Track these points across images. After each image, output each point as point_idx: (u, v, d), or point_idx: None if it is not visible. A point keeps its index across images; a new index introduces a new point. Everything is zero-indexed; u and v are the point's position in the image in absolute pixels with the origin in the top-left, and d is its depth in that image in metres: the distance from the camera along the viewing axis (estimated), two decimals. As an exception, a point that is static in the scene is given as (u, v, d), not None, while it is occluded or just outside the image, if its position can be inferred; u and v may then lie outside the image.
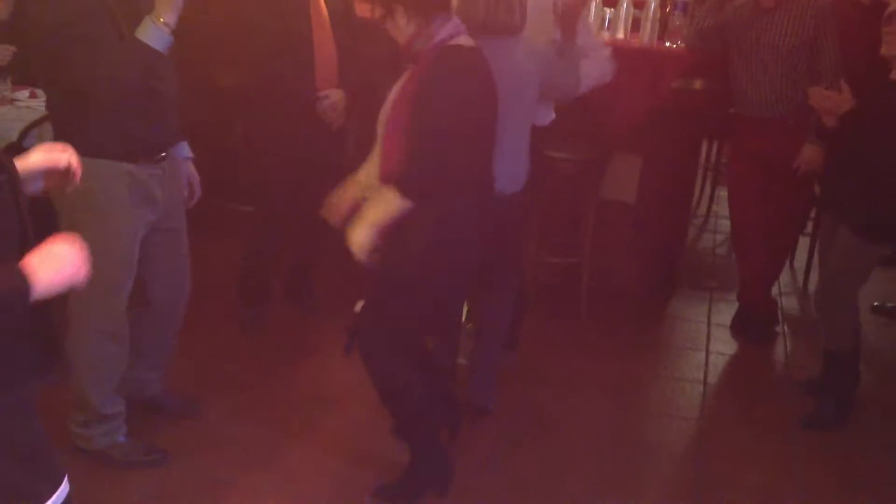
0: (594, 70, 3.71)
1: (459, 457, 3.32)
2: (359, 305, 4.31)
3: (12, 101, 4.27)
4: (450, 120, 2.73)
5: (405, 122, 2.77)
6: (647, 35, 4.69)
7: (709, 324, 4.72)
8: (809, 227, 5.32)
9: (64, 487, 1.76)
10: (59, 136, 2.87)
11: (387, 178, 2.83)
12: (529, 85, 3.25)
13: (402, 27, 2.82)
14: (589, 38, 3.76)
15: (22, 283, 1.55)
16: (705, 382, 4.12)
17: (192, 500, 3.03)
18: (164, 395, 3.45)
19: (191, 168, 3.25)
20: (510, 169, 3.23)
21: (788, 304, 5.06)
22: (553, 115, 3.81)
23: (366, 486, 3.11)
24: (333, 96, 3.92)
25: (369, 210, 2.81)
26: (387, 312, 2.92)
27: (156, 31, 2.70)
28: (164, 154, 2.99)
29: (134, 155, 2.88)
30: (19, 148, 4.04)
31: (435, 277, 2.88)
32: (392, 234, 2.82)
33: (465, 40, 2.83)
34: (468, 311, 3.92)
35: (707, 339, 4.54)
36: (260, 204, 4.18)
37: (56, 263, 1.61)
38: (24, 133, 3.97)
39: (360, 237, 2.79)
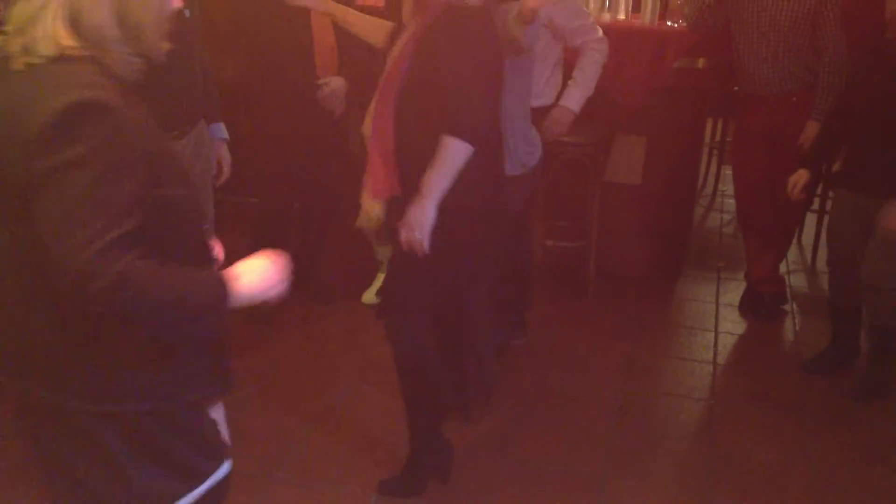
0: (589, 75, 3.72)
1: (470, 439, 3.34)
2: (366, 296, 4.35)
3: None
4: (481, 66, 2.58)
5: (398, 87, 2.63)
6: (648, 15, 4.67)
7: (717, 303, 4.71)
8: (816, 203, 5.30)
9: (225, 466, 1.85)
10: None
11: (378, 194, 2.71)
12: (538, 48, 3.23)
13: None
14: (579, 19, 3.71)
15: (223, 291, 1.60)
16: (715, 362, 4.11)
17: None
18: None
19: (223, 149, 3.34)
20: (519, 147, 3.21)
21: (796, 281, 5.05)
22: (553, 98, 3.80)
23: (376, 474, 3.12)
24: (334, 84, 3.91)
25: (428, 177, 2.55)
26: (412, 290, 2.83)
27: None
28: (176, 132, 3.04)
29: None
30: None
31: (454, 261, 2.78)
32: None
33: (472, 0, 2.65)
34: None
35: (716, 319, 4.54)
36: (264, 194, 4.18)
37: (257, 275, 1.69)
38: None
39: (421, 214, 2.52)
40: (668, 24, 4.67)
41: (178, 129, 3.09)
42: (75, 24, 1.47)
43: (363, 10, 3.30)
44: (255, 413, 3.49)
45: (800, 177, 3.83)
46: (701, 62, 4.64)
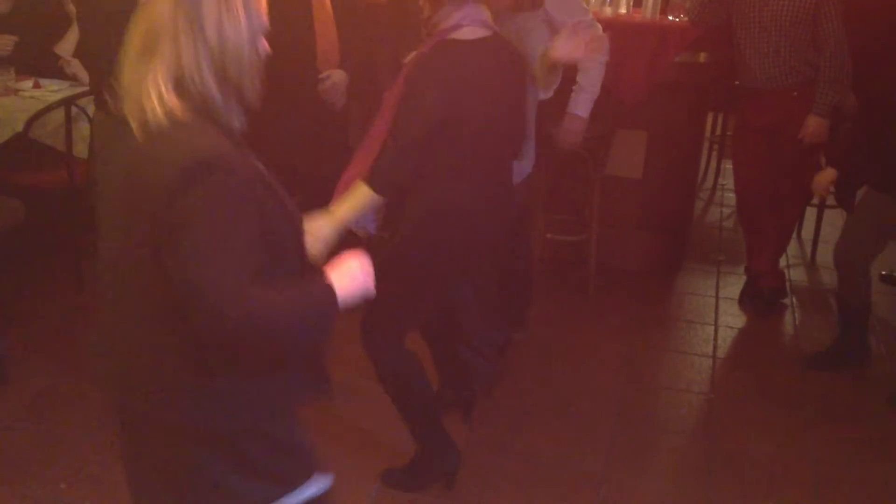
0: (593, 77, 3.72)
1: (470, 434, 3.35)
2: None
3: (16, 91, 4.27)
4: (428, 118, 2.63)
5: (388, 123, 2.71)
6: (649, 9, 4.66)
7: (717, 297, 4.72)
8: (816, 198, 5.31)
9: (319, 480, 1.92)
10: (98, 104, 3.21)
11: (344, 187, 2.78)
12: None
13: (423, 7, 2.75)
14: (577, 15, 3.67)
15: (333, 300, 1.65)
16: (714, 356, 4.13)
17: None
18: None
19: None
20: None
21: (796, 275, 5.06)
22: (550, 93, 3.80)
23: (375, 469, 3.13)
24: (335, 77, 3.91)
25: (341, 204, 2.70)
26: (389, 307, 2.82)
27: None
28: None
29: None
30: (25, 138, 4.05)
31: (434, 273, 2.85)
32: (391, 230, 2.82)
33: (468, 33, 2.68)
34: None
35: (716, 313, 4.55)
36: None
37: (350, 278, 1.72)
38: (30, 123, 3.98)
39: (324, 230, 2.60)
40: (670, 18, 4.67)
41: None
42: (180, 88, 1.59)
43: (368, 7, 3.30)
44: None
45: (828, 174, 3.80)
46: (702, 57, 4.65)
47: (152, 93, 1.58)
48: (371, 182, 2.65)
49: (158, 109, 1.58)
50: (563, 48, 2.91)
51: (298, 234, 1.80)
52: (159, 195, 1.53)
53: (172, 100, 1.59)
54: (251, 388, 1.71)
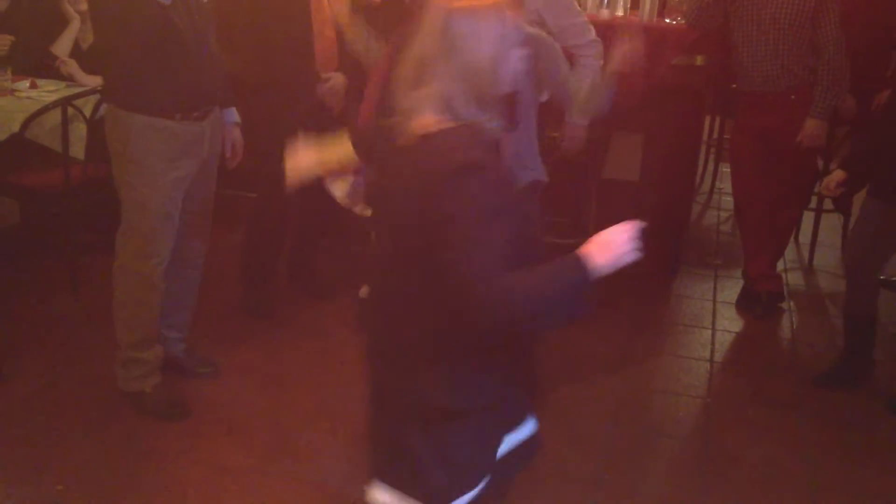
0: (586, 78, 3.70)
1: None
2: (363, 291, 4.34)
3: (12, 91, 4.26)
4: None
5: None
6: (646, 12, 4.66)
7: (714, 301, 4.72)
8: (814, 202, 5.31)
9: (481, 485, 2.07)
10: (106, 96, 3.33)
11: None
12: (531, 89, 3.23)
13: None
14: (570, 17, 3.63)
15: (584, 267, 1.83)
16: (712, 360, 4.12)
17: (200, 486, 3.04)
18: (185, 356, 3.62)
19: (236, 132, 3.50)
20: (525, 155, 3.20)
21: (794, 280, 5.05)
22: (546, 95, 3.79)
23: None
24: (334, 80, 3.91)
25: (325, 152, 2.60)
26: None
27: None
28: (197, 113, 3.17)
29: (168, 111, 3.10)
30: (21, 138, 4.04)
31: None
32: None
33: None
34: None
35: (713, 317, 4.54)
36: (261, 190, 4.17)
37: (605, 245, 1.89)
38: (26, 124, 3.97)
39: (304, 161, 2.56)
40: (667, 21, 4.67)
41: (200, 108, 3.19)
42: (447, 111, 1.86)
43: (362, 7, 3.30)
44: (249, 407, 3.49)
45: (836, 176, 3.69)
46: (699, 59, 4.64)
47: (421, 112, 1.86)
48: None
49: (426, 122, 1.85)
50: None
51: (532, 236, 2.09)
52: (427, 195, 1.79)
53: (438, 116, 1.85)
54: (492, 374, 1.98)
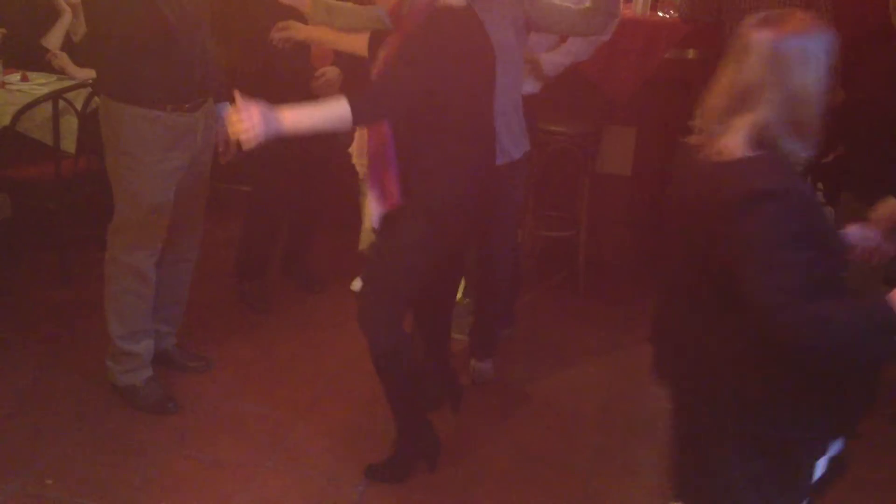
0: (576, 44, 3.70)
1: (460, 430, 3.34)
2: (355, 284, 4.34)
3: (3, 84, 4.25)
4: (419, 82, 2.63)
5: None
6: (639, 6, 4.66)
7: (706, 294, 4.71)
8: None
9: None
10: (100, 87, 3.29)
11: (387, 205, 2.83)
12: (517, 43, 3.22)
13: None
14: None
15: (890, 313, 1.76)
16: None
17: (192, 481, 3.04)
18: (176, 350, 3.61)
19: None
20: (502, 136, 3.20)
21: (785, 273, 5.05)
22: (539, 86, 3.78)
23: (364, 463, 3.13)
24: (329, 74, 3.90)
25: (315, 105, 2.68)
26: (384, 290, 2.90)
27: None
28: (189, 104, 3.16)
29: (160, 102, 3.09)
30: (12, 132, 4.03)
31: (426, 264, 2.88)
32: (386, 222, 2.84)
33: (455, 0, 2.72)
34: (465, 287, 3.92)
35: (704, 310, 4.54)
36: (256, 184, 4.17)
37: None
38: (17, 117, 3.96)
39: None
40: (660, 14, 4.67)
41: (192, 100, 3.18)
42: (756, 139, 1.87)
43: (361, 4, 3.31)
44: (241, 401, 3.49)
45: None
46: (692, 53, 4.64)
47: (733, 136, 1.88)
48: (352, 106, 2.57)
49: (733, 147, 1.88)
50: None
51: (839, 261, 1.99)
52: (723, 216, 1.83)
53: (745, 145, 1.88)
54: (810, 405, 1.93)
